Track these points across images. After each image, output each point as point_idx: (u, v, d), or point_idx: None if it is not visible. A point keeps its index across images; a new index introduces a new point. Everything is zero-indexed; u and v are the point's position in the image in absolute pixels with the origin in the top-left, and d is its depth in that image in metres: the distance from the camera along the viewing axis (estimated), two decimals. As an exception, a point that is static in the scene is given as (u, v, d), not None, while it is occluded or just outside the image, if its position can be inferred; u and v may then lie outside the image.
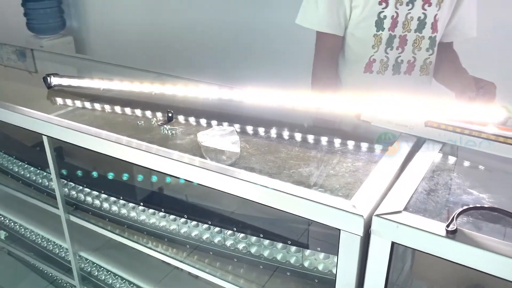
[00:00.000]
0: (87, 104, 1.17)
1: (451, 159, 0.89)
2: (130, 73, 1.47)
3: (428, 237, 0.67)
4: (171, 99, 1.15)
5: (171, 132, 1.00)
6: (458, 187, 0.79)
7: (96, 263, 1.30)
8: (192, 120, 1.07)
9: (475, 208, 0.70)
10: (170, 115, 1.05)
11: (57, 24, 3.47)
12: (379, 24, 1.29)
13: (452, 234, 0.65)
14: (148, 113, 1.11)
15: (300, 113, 1.09)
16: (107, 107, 1.15)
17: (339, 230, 0.74)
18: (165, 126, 1.02)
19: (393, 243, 0.71)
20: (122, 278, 1.29)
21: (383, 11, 1.27)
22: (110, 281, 1.32)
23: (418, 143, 0.94)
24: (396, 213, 0.71)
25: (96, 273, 1.33)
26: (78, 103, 1.17)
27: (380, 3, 1.27)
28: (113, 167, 1.27)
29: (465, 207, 0.70)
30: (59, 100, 1.20)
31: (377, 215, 0.70)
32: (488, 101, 1.08)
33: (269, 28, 2.38)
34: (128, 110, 1.13)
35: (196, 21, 2.71)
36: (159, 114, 1.10)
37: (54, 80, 1.24)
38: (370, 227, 0.71)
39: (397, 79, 1.36)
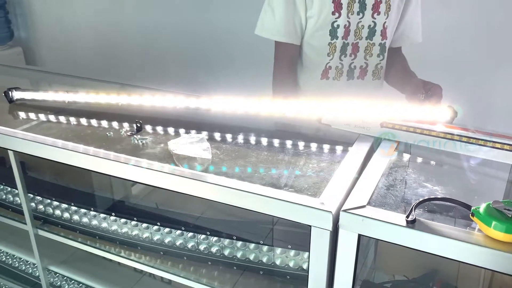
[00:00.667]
0: (53, 117, 1.17)
1: (406, 157, 0.97)
2: (91, 84, 1.47)
3: (391, 228, 0.73)
4: (138, 110, 1.17)
5: (141, 141, 1.02)
6: (413, 182, 0.86)
7: (65, 276, 1.29)
8: (160, 129, 1.09)
9: (430, 199, 0.77)
10: (139, 125, 1.07)
11: (4, 35, 3.35)
12: (333, 33, 1.37)
13: (411, 223, 0.72)
14: (116, 124, 1.12)
15: (265, 119, 1.14)
16: (74, 120, 1.15)
17: (310, 226, 0.79)
18: (134, 136, 1.04)
19: (359, 235, 0.77)
20: (93, 289, 1.29)
21: (336, 21, 1.35)
22: (80, 293, 1.32)
23: (376, 143, 1.01)
24: (361, 208, 0.77)
25: (66, 286, 1.32)
26: (43, 117, 1.17)
27: (333, 13, 1.34)
28: (80, 178, 1.26)
29: (421, 199, 0.77)
30: (23, 114, 1.18)
31: (344, 210, 0.76)
32: (435, 102, 1.18)
33: (229, 35, 2.42)
34: (95, 122, 1.14)
35: (154, 27, 2.69)
36: (127, 125, 1.12)
37: (16, 94, 1.22)
38: (338, 222, 0.77)
39: (352, 84, 1.45)
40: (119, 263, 1.13)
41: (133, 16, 2.80)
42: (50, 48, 3.37)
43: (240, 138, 1.05)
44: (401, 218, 0.74)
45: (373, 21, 1.38)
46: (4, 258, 1.45)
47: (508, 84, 1.93)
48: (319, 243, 0.79)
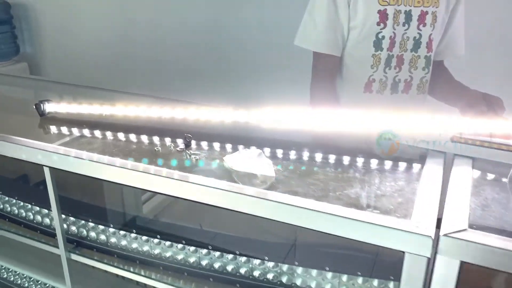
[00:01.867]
0: (90, 132, 1.06)
1: (487, 174, 0.89)
2: (117, 96, 1.38)
3: (501, 253, 0.64)
4: (180, 124, 1.07)
5: (194, 157, 0.92)
6: (508, 201, 0.78)
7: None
8: (211, 144, 0.99)
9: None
10: (188, 139, 0.97)
11: (10, 50, 3.25)
12: (377, 45, 1.30)
13: (527, 249, 0.63)
14: (161, 139, 1.03)
15: (319, 133, 1.05)
16: (113, 134, 1.05)
17: (404, 252, 0.69)
18: (186, 151, 0.94)
19: (461, 263, 0.67)
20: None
21: (381, 32, 1.28)
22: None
23: (449, 159, 0.93)
24: (462, 231, 0.68)
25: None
26: (80, 131, 1.06)
27: (378, 24, 1.27)
28: (113, 196, 1.16)
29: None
30: (58, 129, 1.08)
31: (445, 235, 0.67)
32: (499, 115, 1.10)
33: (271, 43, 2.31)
34: (137, 137, 1.04)
35: (168, 39, 2.59)
36: (172, 140, 1.02)
37: (48, 107, 1.12)
38: (437, 247, 0.67)
39: (395, 98, 1.37)
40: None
41: (143, 27, 2.71)
42: (56, 63, 3.27)
43: (299, 154, 0.96)
44: (510, 243, 0.65)
45: (418, 33, 1.31)
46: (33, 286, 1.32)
47: None
48: (414, 271, 0.70)
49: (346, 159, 0.94)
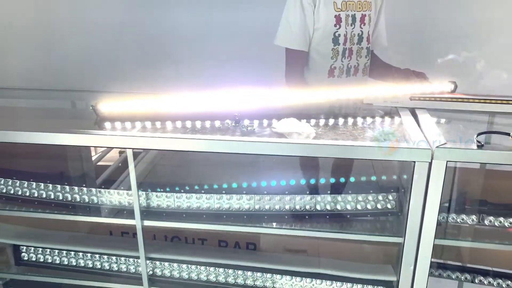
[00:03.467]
0: (152, 124, 1.30)
1: (438, 116, 1.36)
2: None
3: (469, 152, 1.10)
4: (212, 111, 1.37)
5: (249, 127, 1.24)
6: (457, 127, 1.25)
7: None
8: (255, 120, 1.32)
9: (482, 133, 1.16)
10: (237, 118, 1.29)
11: None
12: (335, 41, 1.74)
13: (481, 147, 1.10)
14: (212, 122, 1.31)
15: (318, 104, 1.43)
16: (174, 123, 1.31)
17: (414, 162, 1.12)
18: (242, 124, 1.26)
19: (447, 162, 1.12)
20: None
21: (337, 31, 1.72)
22: None
23: (412, 111, 1.39)
24: (444, 144, 1.12)
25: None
26: (143, 124, 1.30)
27: (335, 26, 1.71)
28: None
29: (477, 133, 1.15)
30: (126, 124, 1.30)
31: (437, 147, 1.11)
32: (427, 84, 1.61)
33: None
34: (192, 123, 1.31)
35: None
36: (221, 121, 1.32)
37: (103, 107, 1.33)
38: (432, 156, 1.11)
39: (349, 80, 1.83)
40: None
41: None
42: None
43: (317, 121, 1.34)
44: (472, 146, 1.11)
45: (361, 30, 1.78)
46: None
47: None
48: (421, 174, 1.12)
49: (350, 120, 1.34)
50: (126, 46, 2.60)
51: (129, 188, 1.31)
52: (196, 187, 1.36)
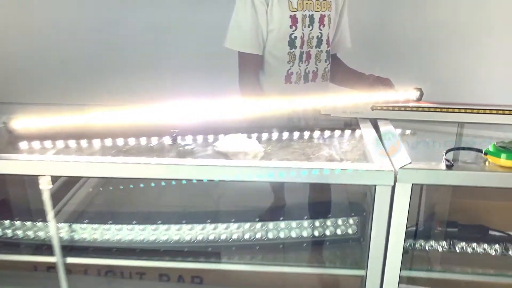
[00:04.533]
0: (74, 142, 1.09)
1: (402, 127, 1.21)
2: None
3: (436, 173, 0.95)
4: (149, 125, 1.18)
5: (187, 146, 1.05)
6: (423, 141, 1.10)
7: None
8: (197, 136, 1.13)
9: (451, 149, 1.01)
10: (175, 135, 1.10)
11: None
12: (291, 44, 1.57)
13: (450, 167, 0.95)
14: (148, 139, 1.12)
15: (272, 116, 1.26)
16: (98, 140, 1.10)
17: (375, 186, 0.96)
18: (180, 143, 1.07)
19: (412, 185, 0.96)
20: None
21: (293, 33, 1.55)
22: None
23: (373, 122, 1.23)
24: (408, 164, 0.97)
25: None
26: (63, 143, 1.09)
27: (291, 27, 1.54)
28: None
29: (446, 150, 1.00)
30: (38, 144, 1.08)
31: (401, 168, 0.95)
32: (392, 90, 1.46)
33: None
34: (121, 140, 1.11)
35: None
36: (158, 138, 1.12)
37: (16, 124, 1.11)
38: (396, 178, 0.95)
39: (307, 86, 1.66)
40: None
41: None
42: None
43: (269, 135, 1.16)
44: (440, 166, 0.96)
45: (320, 32, 1.61)
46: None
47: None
48: (383, 198, 0.96)
49: (306, 133, 1.17)
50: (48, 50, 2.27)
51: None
52: (132, 217, 1.17)
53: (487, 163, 0.98)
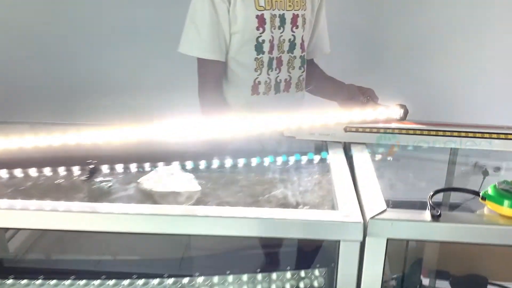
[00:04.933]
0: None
1: (382, 156, 0.98)
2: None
3: (420, 225, 0.72)
4: (72, 149, 0.95)
5: (106, 185, 0.82)
6: (406, 177, 0.87)
7: None
8: (119, 167, 0.90)
9: (443, 190, 0.78)
10: (92, 167, 0.87)
11: None
12: (258, 48, 1.33)
13: (438, 218, 0.72)
14: (60, 169, 0.89)
15: (223, 139, 1.03)
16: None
17: (338, 241, 0.73)
18: (95, 180, 0.83)
19: (387, 240, 0.74)
20: None
21: (261, 36, 1.32)
22: None
23: (346, 147, 1.00)
24: (383, 212, 0.74)
25: None
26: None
27: (257, 28, 1.31)
28: None
29: (432, 192, 0.77)
30: None
31: (372, 218, 0.72)
32: (375, 103, 1.23)
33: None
34: (27, 172, 0.88)
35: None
36: (70, 169, 0.90)
37: None
38: (366, 231, 0.72)
39: (279, 98, 1.43)
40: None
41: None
42: None
43: (214, 164, 0.93)
44: (424, 215, 0.73)
45: (292, 35, 1.38)
46: None
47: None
48: (349, 256, 0.74)
49: (259, 162, 0.94)
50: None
51: None
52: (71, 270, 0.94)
53: (485, 209, 0.75)
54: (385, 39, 2.06)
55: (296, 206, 0.75)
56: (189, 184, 0.81)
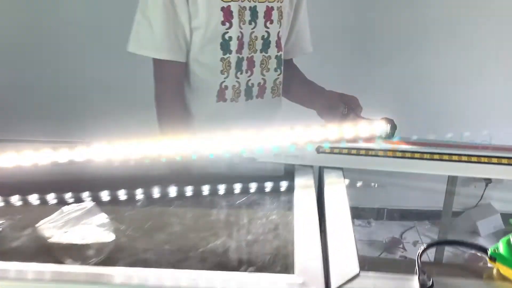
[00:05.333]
0: None
1: (363, 181, 0.78)
2: None
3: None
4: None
5: (-7, 229, 0.62)
6: (391, 215, 0.66)
7: None
8: (18, 201, 0.70)
9: (439, 243, 0.58)
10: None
11: None
12: (225, 47, 1.12)
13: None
14: None
15: (164, 163, 0.83)
16: None
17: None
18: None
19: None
20: None
21: (227, 32, 1.11)
22: None
23: (318, 173, 0.80)
24: (355, 278, 0.54)
25: None
26: None
27: (223, 23, 1.10)
28: None
29: (420, 251, 0.57)
30: None
31: (341, 287, 0.52)
32: (357, 115, 1.02)
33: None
34: None
35: None
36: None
37: None
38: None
39: (251, 105, 1.22)
40: None
41: None
42: None
43: (144, 196, 0.73)
44: (412, 283, 0.53)
45: (266, 31, 1.17)
46: None
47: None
48: None
49: (203, 194, 0.74)
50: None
51: None
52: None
53: (494, 272, 0.55)
54: (376, 38, 1.87)
55: (238, 266, 0.55)
56: (101, 231, 0.61)
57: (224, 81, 1.15)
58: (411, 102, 1.93)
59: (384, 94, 1.89)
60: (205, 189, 0.74)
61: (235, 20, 1.10)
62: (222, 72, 1.14)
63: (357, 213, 2.46)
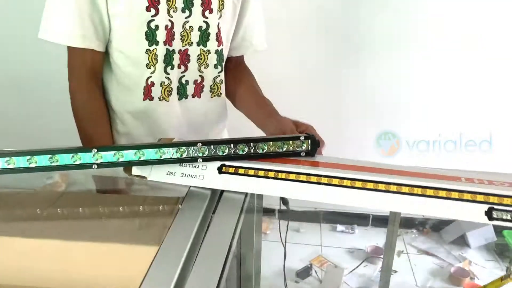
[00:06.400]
0: None
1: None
2: None
3: None
4: None
5: None
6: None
7: None
8: None
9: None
10: None
11: None
12: (151, 37, 0.95)
13: None
14: None
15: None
16: None
17: None
18: None
19: None
20: None
21: (153, 20, 0.93)
22: None
23: (214, 199, 0.62)
24: None
25: None
26: None
27: (148, 9, 0.92)
28: None
29: None
30: None
31: None
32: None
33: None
34: None
35: None
36: None
37: None
38: None
39: (185, 105, 1.04)
40: None
41: None
42: None
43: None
44: None
45: (204, 21, 0.99)
46: None
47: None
48: None
49: (69, 222, 0.56)
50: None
51: None
52: None
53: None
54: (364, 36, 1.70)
55: None
56: None
57: (151, 77, 0.98)
58: (401, 102, 1.80)
59: (374, 93, 1.76)
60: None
61: (162, 6, 0.93)
62: (148, 66, 0.97)
63: (341, 218, 2.26)
